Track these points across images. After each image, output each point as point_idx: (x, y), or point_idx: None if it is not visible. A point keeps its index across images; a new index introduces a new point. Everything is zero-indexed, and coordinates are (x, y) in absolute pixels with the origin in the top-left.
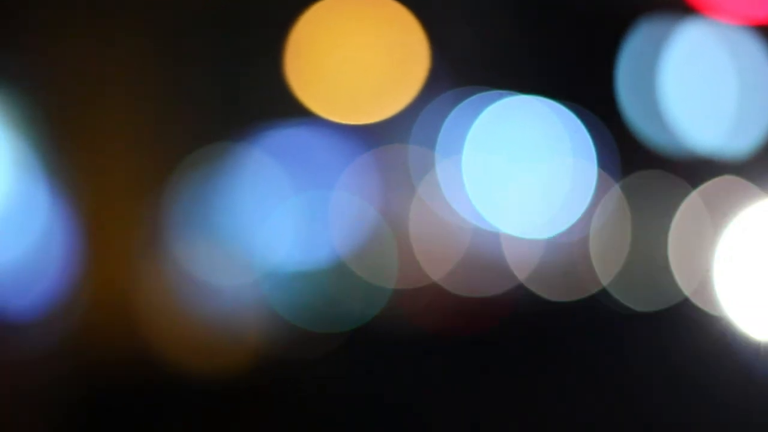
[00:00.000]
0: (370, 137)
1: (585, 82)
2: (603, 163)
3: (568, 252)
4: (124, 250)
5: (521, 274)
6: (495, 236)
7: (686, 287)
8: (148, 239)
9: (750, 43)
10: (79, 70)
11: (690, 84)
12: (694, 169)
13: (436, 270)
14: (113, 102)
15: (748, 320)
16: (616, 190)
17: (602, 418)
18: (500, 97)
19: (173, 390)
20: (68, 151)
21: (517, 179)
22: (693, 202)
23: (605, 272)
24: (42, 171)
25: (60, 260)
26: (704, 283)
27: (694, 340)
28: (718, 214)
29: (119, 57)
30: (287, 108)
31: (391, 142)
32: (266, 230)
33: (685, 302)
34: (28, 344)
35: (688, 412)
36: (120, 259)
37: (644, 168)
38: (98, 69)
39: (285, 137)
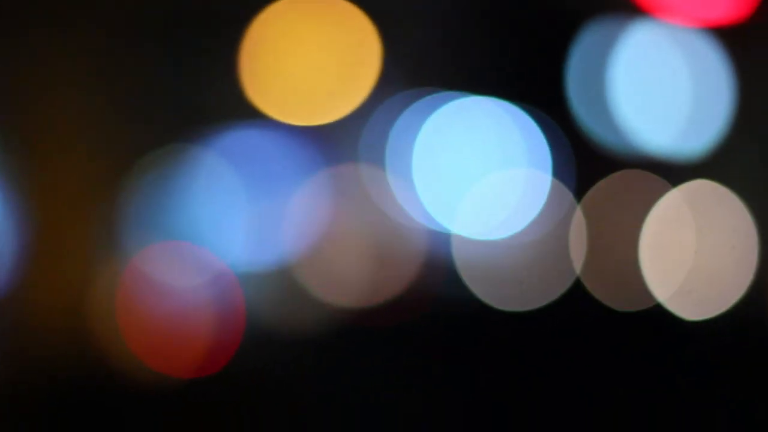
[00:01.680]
0: (322, 138)
1: (538, 83)
2: (556, 164)
3: (521, 254)
4: (78, 251)
5: (472, 276)
6: (447, 237)
7: (650, 291)
8: (102, 240)
9: (700, 45)
10: (31, 69)
11: (641, 85)
12: (646, 170)
13: (387, 271)
14: (66, 102)
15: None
16: (569, 192)
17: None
18: (452, 98)
19: (125, 391)
20: (21, 152)
21: (470, 180)
22: (653, 203)
23: (558, 275)
24: None
25: (10, 259)
26: (660, 288)
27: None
28: (675, 215)
29: (72, 57)
30: (240, 110)
31: (343, 144)
32: (218, 231)
33: (646, 309)
34: None
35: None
36: (73, 260)
37: (597, 170)
38: (51, 69)
39: (238, 139)
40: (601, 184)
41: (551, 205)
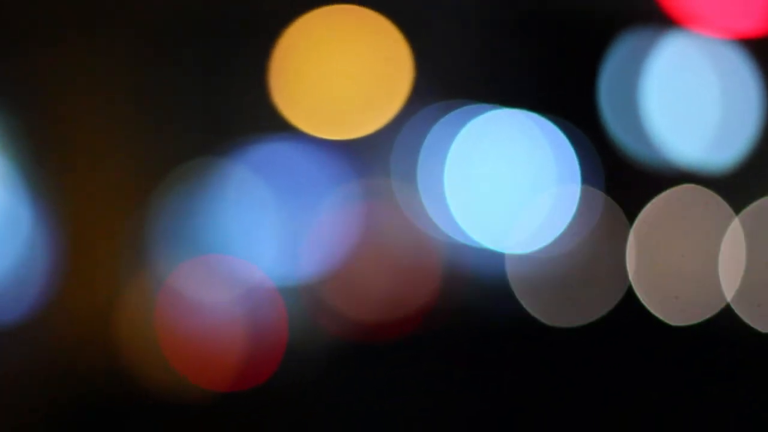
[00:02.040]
0: (354, 152)
1: (569, 96)
2: (587, 177)
3: (551, 267)
4: (108, 264)
5: (504, 289)
6: (478, 251)
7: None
8: (132, 253)
9: (732, 56)
10: (63, 83)
11: (672, 97)
12: (677, 182)
13: (419, 284)
14: (97, 115)
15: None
16: (600, 204)
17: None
18: (484, 110)
19: (152, 404)
20: (52, 164)
21: (501, 194)
22: (676, 215)
23: (589, 286)
24: (25, 183)
25: (42, 273)
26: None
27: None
28: (704, 224)
29: (103, 71)
30: (271, 123)
31: (375, 157)
32: (249, 245)
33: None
34: (7, 354)
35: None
36: (103, 273)
37: (628, 182)
38: (82, 82)
39: (269, 152)
40: (632, 195)
41: (581, 218)
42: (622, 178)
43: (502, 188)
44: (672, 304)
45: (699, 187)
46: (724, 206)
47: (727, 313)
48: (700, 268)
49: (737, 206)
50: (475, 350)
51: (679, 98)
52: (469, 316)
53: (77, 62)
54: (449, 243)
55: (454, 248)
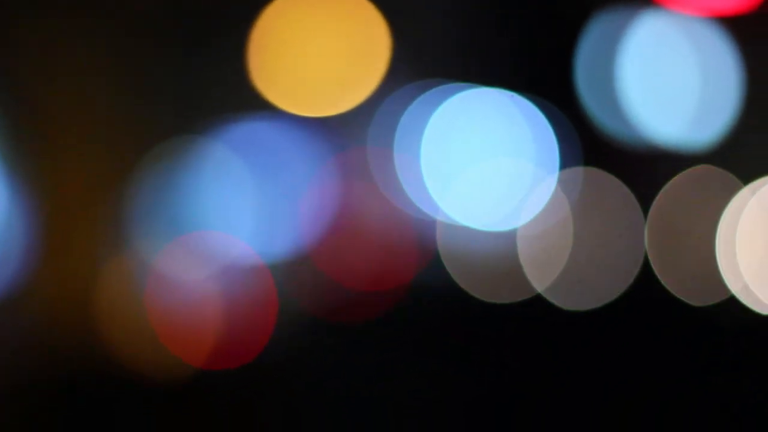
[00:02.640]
0: (331, 129)
1: (547, 75)
2: (565, 155)
3: (528, 245)
4: (86, 245)
5: (481, 267)
6: (455, 229)
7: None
8: (110, 233)
9: (710, 35)
10: (36, 65)
11: (650, 76)
12: (655, 161)
13: (396, 262)
14: (73, 96)
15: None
16: (578, 183)
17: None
18: (460, 89)
19: (134, 386)
20: (27, 145)
21: (478, 172)
22: (659, 195)
23: (561, 265)
24: (0, 166)
25: (19, 254)
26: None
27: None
28: (684, 207)
29: (78, 52)
30: (249, 101)
31: (352, 135)
32: (226, 223)
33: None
34: None
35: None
36: (81, 254)
37: (605, 160)
38: (57, 63)
39: (246, 131)
40: (608, 175)
41: (558, 197)
42: (601, 157)
43: (480, 166)
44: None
45: (714, 168)
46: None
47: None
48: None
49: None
50: (452, 328)
51: (657, 77)
52: (447, 294)
53: (51, 44)
54: (427, 221)
55: (431, 226)
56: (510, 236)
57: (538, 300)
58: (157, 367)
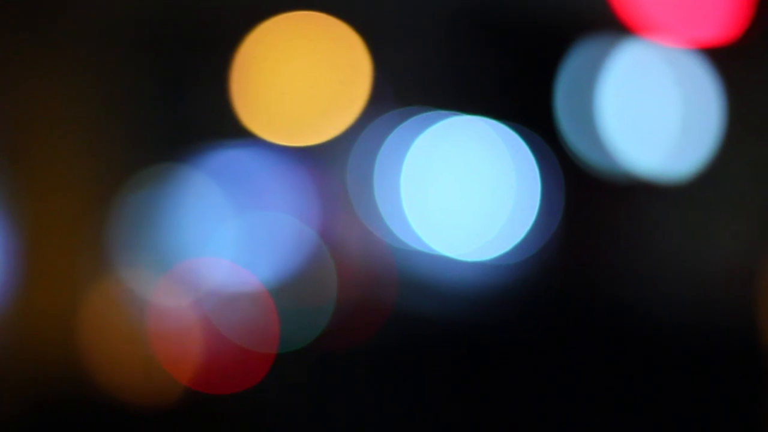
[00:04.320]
0: (312, 158)
1: (527, 102)
2: (546, 184)
3: (508, 275)
4: (67, 270)
5: (459, 296)
6: (435, 258)
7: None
8: (91, 259)
9: (690, 65)
10: (19, 88)
11: (630, 105)
12: (633, 192)
13: (375, 290)
14: (55, 122)
15: None
16: (558, 212)
17: None
18: (442, 117)
19: (114, 410)
20: (11, 169)
21: (458, 200)
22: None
23: (547, 294)
24: None
25: (2, 281)
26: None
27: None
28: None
29: (60, 77)
30: (230, 130)
31: (332, 163)
32: (207, 251)
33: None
34: None
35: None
36: (64, 278)
37: (586, 189)
38: (43, 90)
39: (227, 158)
40: (590, 204)
41: (539, 225)
42: (581, 187)
43: (460, 195)
44: None
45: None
46: None
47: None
48: None
49: (696, 215)
50: (430, 357)
51: (637, 107)
52: (425, 323)
53: (35, 68)
54: (405, 250)
55: (410, 255)
56: (489, 265)
57: (520, 324)
58: (141, 392)
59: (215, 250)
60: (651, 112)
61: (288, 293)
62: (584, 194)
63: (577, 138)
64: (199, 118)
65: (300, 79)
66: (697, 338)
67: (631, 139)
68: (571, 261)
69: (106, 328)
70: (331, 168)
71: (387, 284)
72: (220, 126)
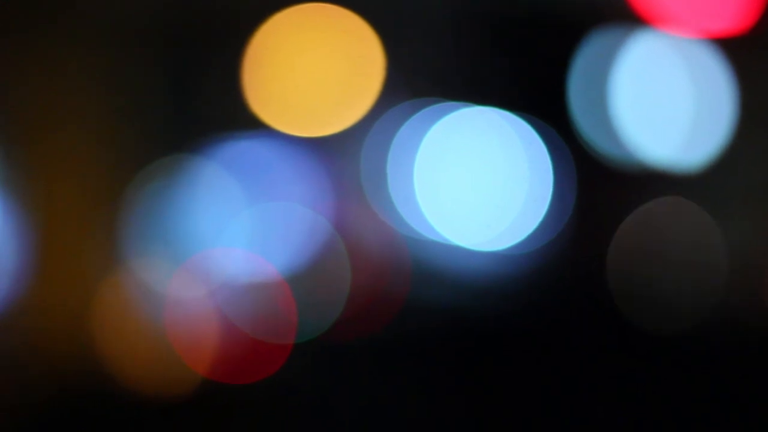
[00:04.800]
0: (324, 149)
1: (540, 93)
2: (559, 175)
3: (521, 265)
4: (79, 262)
5: (473, 286)
6: (448, 248)
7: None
8: (104, 251)
9: (702, 56)
10: (33, 83)
11: (643, 96)
12: (647, 183)
13: (388, 281)
14: (66, 114)
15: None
16: (571, 203)
17: None
18: (455, 108)
19: (128, 403)
20: (22, 164)
21: (471, 191)
22: (644, 217)
23: (559, 285)
24: None
25: (15, 271)
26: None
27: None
28: (666, 231)
29: (72, 68)
30: (243, 120)
31: (345, 154)
32: (220, 242)
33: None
34: None
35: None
36: (75, 271)
37: (599, 180)
38: (53, 82)
39: (240, 149)
40: (603, 195)
41: (552, 216)
42: (594, 177)
43: (473, 186)
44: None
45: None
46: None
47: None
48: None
49: (708, 206)
50: (443, 347)
51: (650, 98)
52: (438, 314)
53: (48, 62)
54: (419, 240)
55: (424, 245)
56: (502, 256)
57: (531, 315)
58: (155, 384)
59: (229, 241)
60: (664, 102)
61: (302, 284)
62: (597, 185)
63: (590, 128)
64: (212, 109)
65: (312, 70)
66: (710, 331)
67: (644, 129)
68: (583, 251)
69: (119, 320)
70: (344, 159)
71: (400, 274)
72: (233, 117)
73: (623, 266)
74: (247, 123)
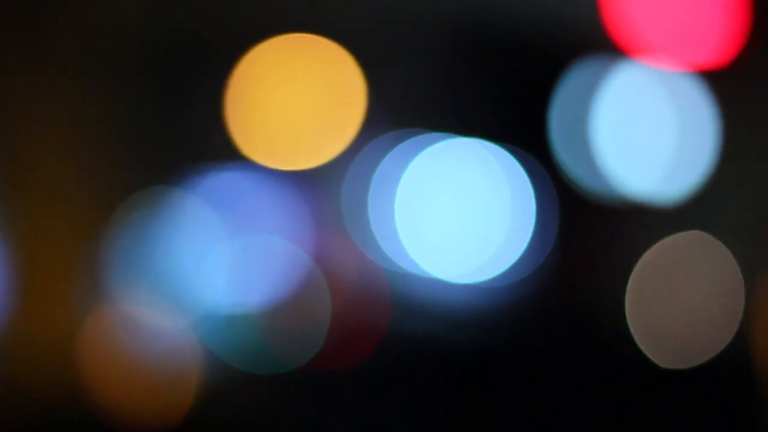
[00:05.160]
0: (306, 181)
1: (522, 125)
2: (541, 207)
3: (503, 296)
4: (60, 294)
5: (453, 318)
6: (428, 281)
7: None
8: (85, 283)
9: (685, 88)
10: (13, 112)
11: (624, 128)
12: (627, 215)
13: (369, 313)
14: (48, 145)
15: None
16: (553, 234)
17: None
18: (437, 139)
19: None
20: (2, 197)
21: (453, 223)
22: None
23: (541, 316)
24: None
25: None
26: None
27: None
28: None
29: (56, 99)
30: (224, 153)
31: (326, 186)
32: (201, 274)
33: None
34: None
35: None
36: (56, 303)
37: (581, 212)
38: (35, 112)
39: (221, 181)
40: (584, 227)
41: (534, 247)
42: (576, 209)
43: (455, 217)
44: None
45: (701, 234)
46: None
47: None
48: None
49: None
50: (425, 378)
51: (631, 130)
52: (420, 346)
53: (29, 91)
54: (400, 273)
55: (404, 278)
56: (484, 287)
57: (514, 345)
58: (137, 413)
59: (210, 273)
60: (645, 134)
61: (282, 316)
62: (578, 216)
63: (571, 160)
64: (193, 140)
65: (295, 101)
66: (695, 360)
67: (625, 161)
68: (565, 282)
69: (102, 350)
70: (325, 191)
71: (381, 307)
72: (215, 149)
73: (606, 296)
74: (228, 155)
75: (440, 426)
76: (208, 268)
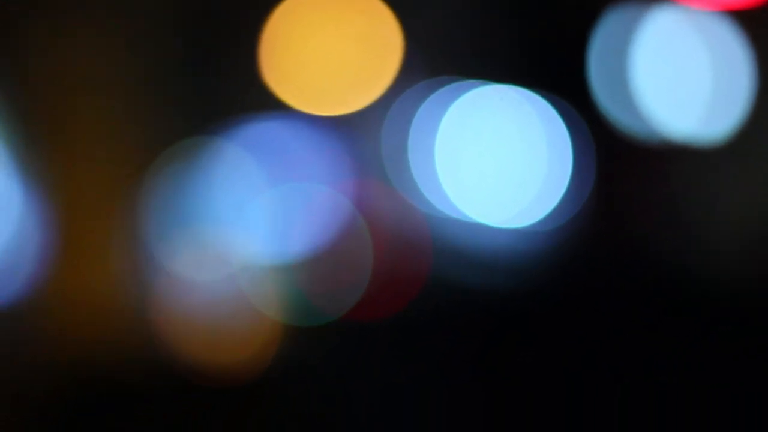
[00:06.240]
0: (344, 128)
1: (559, 70)
2: (578, 152)
3: (543, 242)
4: (101, 247)
5: (496, 265)
6: (470, 226)
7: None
8: (125, 235)
9: (722, 29)
10: (52, 66)
11: (662, 71)
12: (668, 156)
13: (411, 260)
14: (87, 98)
15: None
16: (591, 179)
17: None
18: (474, 86)
19: (152, 388)
20: (42, 148)
21: (491, 169)
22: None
23: (581, 261)
24: (16, 167)
25: (35, 257)
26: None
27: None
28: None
29: (92, 53)
30: (262, 101)
31: (365, 133)
32: (242, 224)
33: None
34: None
35: None
36: (97, 255)
37: (620, 157)
38: (71, 65)
39: (260, 130)
40: (623, 170)
41: (573, 192)
42: (614, 152)
43: (493, 163)
44: None
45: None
46: None
47: None
48: None
49: (730, 178)
50: (465, 325)
51: (670, 72)
52: (460, 292)
53: (66, 49)
54: (441, 218)
55: (445, 223)
56: (523, 232)
57: (554, 292)
58: (171, 369)
59: (250, 222)
60: (683, 76)
61: (323, 264)
62: (617, 159)
63: (610, 103)
64: (231, 91)
65: (330, 49)
66: (730, 304)
67: (664, 103)
68: (605, 227)
69: (143, 305)
70: (364, 138)
71: (422, 253)
72: (253, 98)
73: (646, 240)
74: (266, 104)
75: (479, 373)
76: (248, 218)
